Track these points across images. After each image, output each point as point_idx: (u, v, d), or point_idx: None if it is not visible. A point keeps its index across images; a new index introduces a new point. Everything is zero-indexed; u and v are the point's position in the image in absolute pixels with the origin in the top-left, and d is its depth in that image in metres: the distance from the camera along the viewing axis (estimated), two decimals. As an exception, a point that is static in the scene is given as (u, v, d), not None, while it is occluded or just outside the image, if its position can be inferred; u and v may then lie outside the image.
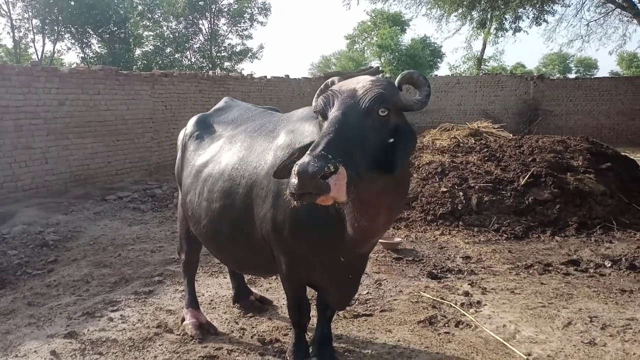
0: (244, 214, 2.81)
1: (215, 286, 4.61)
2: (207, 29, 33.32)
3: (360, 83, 2.11)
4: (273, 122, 3.02)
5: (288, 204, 1.93)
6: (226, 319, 3.88)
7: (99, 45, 29.36)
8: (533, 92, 19.63)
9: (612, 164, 7.18)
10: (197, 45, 33.86)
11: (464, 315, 3.87)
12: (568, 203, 6.34)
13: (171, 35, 33.08)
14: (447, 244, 5.76)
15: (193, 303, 3.76)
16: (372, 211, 2.28)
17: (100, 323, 3.81)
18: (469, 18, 18.29)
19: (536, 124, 18.46)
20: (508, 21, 20.78)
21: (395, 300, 4.21)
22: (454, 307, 4.02)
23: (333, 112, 2.02)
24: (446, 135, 11.13)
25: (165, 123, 11.74)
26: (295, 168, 1.76)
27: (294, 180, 1.77)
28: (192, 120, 3.65)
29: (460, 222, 6.30)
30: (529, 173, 6.66)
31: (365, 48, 40.80)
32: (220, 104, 3.81)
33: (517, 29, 22.12)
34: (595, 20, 16.52)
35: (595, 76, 34.90)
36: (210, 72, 16.94)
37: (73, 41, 28.79)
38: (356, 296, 4.05)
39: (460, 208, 6.45)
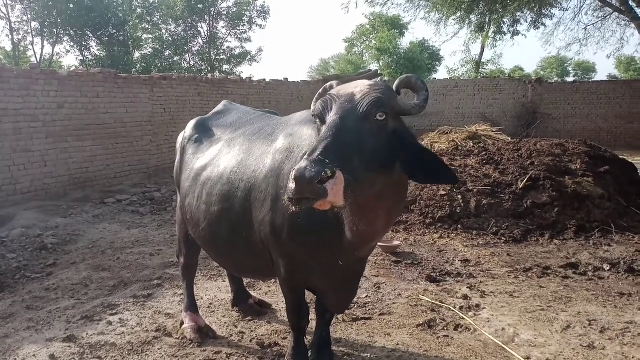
0: (242, 217, 2.82)
1: (214, 290, 4.61)
2: (206, 32, 33.40)
3: (359, 87, 2.12)
4: (272, 125, 3.03)
5: (287, 208, 1.94)
6: (225, 323, 3.88)
7: (98, 48, 29.42)
8: (531, 95, 19.68)
9: (610, 167, 7.20)
10: (196, 48, 33.95)
11: (463, 318, 3.87)
12: (566, 206, 6.36)
13: (170, 38, 33.15)
14: (445, 247, 5.77)
15: (192, 307, 3.76)
16: (371, 215, 2.29)
17: (99, 327, 3.81)
18: (467, 21, 18.36)
19: (534, 128, 18.51)
20: (506, 25, 20.92)
21: (394, 303, 4.21)
22: (453, 311, 4.02)
23: (331, 117, 2.03)
24: (445, 138, 11.17)
25: (164, 126, 11.74)
26: (293, 173, 1.77)
27: (291, 185, 1.77)
28: (191, 124, 3.66)
29: (458, 226, 6.31)
30: (528, 176, 6.67)
31: (364, 51, 40.92)
32: (219, 107, 3.81)
33: (515, 33, 22.27)
34: (593, 24, 16.60)
35: (593, 79, 35.05)
36: (209, 75, 16.98)
37: (72, 44, 28.85)
38: (355, 300, 4.05)
39: (458, 211, 6.46)
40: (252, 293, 4.26)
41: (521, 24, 20.53)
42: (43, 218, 7.33)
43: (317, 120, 2.18)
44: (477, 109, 20.33)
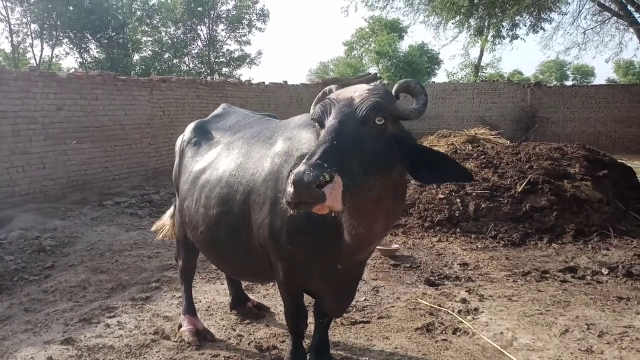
0: (241, 220, 2.82)
1: (212, 292, 4.60)
2: (205, 35, 33.47)
3: (357, 92, 2.12)
4: (271, 129, 3.03)
5: (285, 211, 1.94)
6: (223, 326, 3.87)
7: (97, 50, 29.48)
8: (530, 99, 19.74)
9: (608, 171, 7.21)
10: (196, 51, 34.00)
11: (462, 322, 3.87)
12: (565, 210, 6.37)
13: (169, 41, 33.21)
14: (444, 250, 5.77)
15: (190, 309, 3.75)
16: (370, 219, 2.29)
17: (97, 329, 3.80)
18: (466, 25, 18.40)
19: (533, 131, 18.55)
20: (505, 29, 20.97)
21: (392, 307, 4.21)
22: (452, 314, 4.02)
23: (330, 121, 2.03)
24: (444, 141, 11.20)
25: (163, 128, 11.75)
26: (291, 177, 1.77)
27: (289, 189, 1.78)
28: (190, 127, 3.66)
29: (457, 229, 6.31)
30: (526, 180, 6.68)
31: (363, 54, 41.00)
32: (218, 110, 3.82)
33: (514, 37, 22.35)
34: (592, 28, 16.64)
35: (592, 83, 35.15)
36: (209, 78, 17.00)
37: (71, 46, 28.92)
38: (353, 303, 4.05)
39: (457, 215, 6.46)
40: (251, 296, 4.26)
41: (520, 28, 20.63)
42: (41, 220, 7.32)
43: (316, 124, 2.19)
44: (476, 113, 20.38)
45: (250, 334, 3.71)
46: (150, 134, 11.41)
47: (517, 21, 19.08)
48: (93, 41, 28.59)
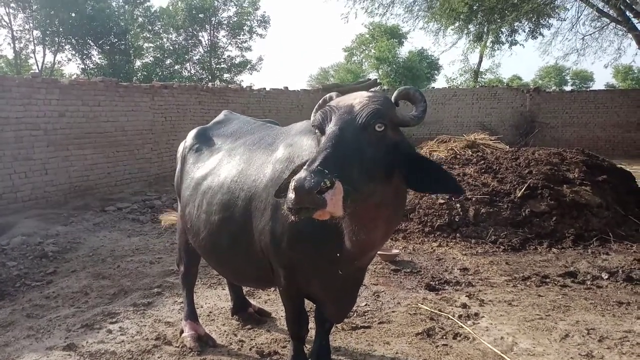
0: (242, 226, 2.84)
1: (214, 298, 4.62)
2: (206, 41, 33.66)
3: (358, 99, 2.15)
4: (272, 135, 3.06)
5: (286, 217, 1.97)
6: (225, 331, 3.89)
7: (100, 56, 29.61)
8: (529, 104, 19.79)
9: (608, 176, 7.24)
10: (197, 57, 34.20)
11: (462, 327, 3.89)
12: (565, 215, 6.39)
13: (171, 47, 33.39)
14: (444, 255, 5.79)
15: (192, 315, 3.77)
16: (370, 224, 2.31)
17: (99, 335, 3.82)
18: (465, 31, 18.50)
19: (532, 136, 18.59)
20: (504, 34, 21.07)
21: (393, 312, 4.22)
22: (452, 319, 4.03)
23: (330, 127, 2.06)
24: (443, 147, 11.23)
25: (164, 134, 11.80)
26: (292, 183, 1.80)
27: (291, 195, 1.80)
28: (192, 133, 3.70)
29: (457, 234, 6.33)
30: (526, 185, 6.71)
31: (363, 60, 41.12)
32: (220, 116, 3.85)
33: (513, 42, 22.43)
34: (591, 34, 16.72)
35: (591, 89, 35.23)
36: (210, 84, 17.07)
37: (73, 52, 29.06)
38: (354, 308, 4.06)
39: (457, 220, 6.48)
40: (252, 301, 4.27)
41: (519, 33, 20.73)
42: (43, 226, 7.34)
43: (317, 131, 2.21)
44: (475, 118, 20.43)
45: (251, 340, 3.73)
46: (152, 140, 11.46)
47: (516, 27, 19.18)
48: (95, 47, 28.74)
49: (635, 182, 7.74)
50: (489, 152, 9.42)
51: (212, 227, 3.03)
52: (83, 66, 29.32)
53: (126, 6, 31.25)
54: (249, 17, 34.20)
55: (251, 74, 38.50)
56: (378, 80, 27.03)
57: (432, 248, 6.07)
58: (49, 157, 8.86)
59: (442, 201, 6.74)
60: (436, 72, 39.46)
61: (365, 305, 4.37)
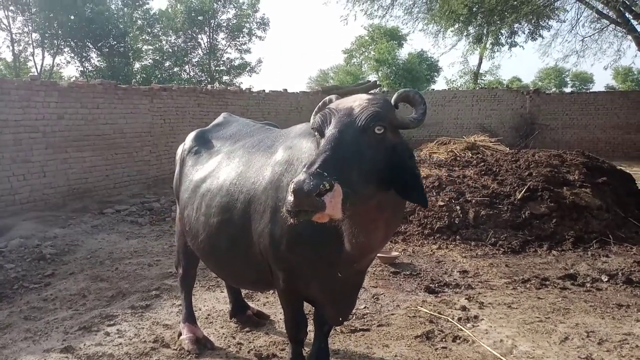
0: (241, 229, 2.83)
1: (212, 300, 4.61)
2: (206, 44, 33.68)
3: (357, 101, 2.15)
4: (271, 137, 3.05)
5: (285, 220, 1.96)
6: (223, 334, 3.87)
7: (98, 59, 29.62)
8: (529, 106, 19.81)
9: (608, 178, 7.23)
10: (196, 60, 34.19)
11: (461, 330, 3.87)
12: (564, 217, 6.38)
13: (170, 50, 33.40)
14: (444, 258, 5.78)
15: (190, 317, 3.76)
16: (370, 227, 2.30)
17: (96, 338, 3.80)
18: (465, 33, 18.52)
19: (532, 138, 18.60)
20: (504, 36, 21.12)
21: (392, 314, 4.21)
22: (451, 322, 4.02)
23: (330, 130, 2.05)
24: (443, 149, 11.24)
25: (163, 137, 11.79)
26: (291, 186, 1.79)
27: (290, 197, 1.80)
28: (191, 136, 3.69)
29: (457, 236, 6.32)
30: (526, 187, 6.70)
31: (363, 62, 41.18)
32: (219, 119, 3.85)
33: (513, 44, 22.51)
34: (590, 35, 16.73)
35: (591, 90, 35.29)
36: (209, 86, 17.05)
37: (72, 55, 29.06)
38: (354, 311, 4.05)
39: (457, 222, 6.47)
40: (250, 304, 4.26)
41: (519, 35, 20.78)
42: (42, 228, 7.33)
43: (316, 134, 2.21)
44: (475, 120, 20.45)
45: (250, 342, 3.71)
46: (151, 142, 11.45)
47: (515, 29, 19.23)
48: (94, 50, 28.74)
49: (635, 184, 7.73)
50: (488, 154, 9.43)
51: (210, 229, 3.02)
52: (82, 69, 29.34)
53: (125, 9, 31.28)
54: (248, 20, 34.23)
55: (250, 76, 38.52)
56: (377, 82, 27.05)
57: (431, 250, 6.06)
58: (47, 159, 8.85)
59: (441, 203, 6.73)
60: (436, 74, 39.54)
61: (365, 307, 4.35)
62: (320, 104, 2.38)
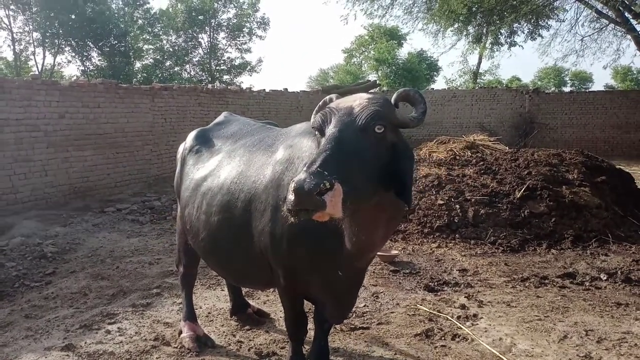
0: (242, 227, 2.84)
1: (212, 299, 4.62)
2: (206, 43, 33.71)
3: (357, 101, 2.16)
4: (272, 136, 3.07)
5: (286, 219, 1.98)
6: (223, 332, 3.89)
7: (99, 58, 29.65)
8: (528, 105, 19.82)
9: (607, 177, 7.26)
10: (197, 59, 34.22)
11: (461, 328, 3.89)
12: (564, 216, 6.39)
13: (171, 49, 33.43)
14: (443, 256, 5.79)
15: (190, 316, 3.77)
16: (370, 226, 2.32)
17: (97, 336, 3.82)
18: (464, 33, 18.56)
19: (532, 137, 18.62)
20: (503, 36, 21.12)
21: (392, 313, 4.23)
22: (451, 320, 4.04)
23: (330, 129, 2.07)
24: (443, 148, 11.23)
25: (164, 136, 11.81)
26: (292, 185, 1.80)
27: (290, 196, 1.81)
28: (192, 135, 3.70)
29: (456, 235, 6.33)
30: (525, 186, 6.71)
31: (363, 62, 41.19)
32: (220, 118, 3.86)
33: (513, 44, 22.48)
34: (590, 35, 16.76)
35: (590, 90, 35.30)
36: (210, 86, 17.10)
37: (73, 54, 29.09)
38: (353, 309, 4.07)
39: (456, 221, 6.49)
40: (251, 302, 4.28)
41: (518, 35, 20.80)
42: (43, 227, 7.35)
43: (317, 133, 2.22)
44: (474, 119, 20.46)
45: (250, 340, 3.73)
46: (152, 141, 11.47)
47: (515, 28, 19.25)
48: (95, 49, 28.77)
49: (634, 183, 7.75)
50: (488, 153, 9.44)
51: (211, 228, 3.03)
52: (83, 68, 29.37)
53: (126, 8, 31.31)
54: (248, 19, 34.25)
55: (251, 75, 38.65)
56: (377, 82, 27.05)
57: (431, 249, 6.08)
58: (48, 158, 8.87)
59: (441, 202, 6.74)
60: (435, 73, 39.56)
61: (364, 306, 4.37)
62: (320, 103, 2.39)
